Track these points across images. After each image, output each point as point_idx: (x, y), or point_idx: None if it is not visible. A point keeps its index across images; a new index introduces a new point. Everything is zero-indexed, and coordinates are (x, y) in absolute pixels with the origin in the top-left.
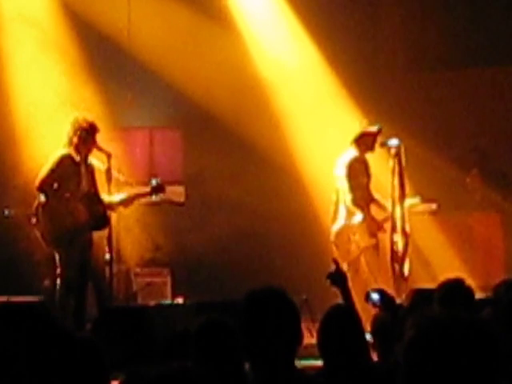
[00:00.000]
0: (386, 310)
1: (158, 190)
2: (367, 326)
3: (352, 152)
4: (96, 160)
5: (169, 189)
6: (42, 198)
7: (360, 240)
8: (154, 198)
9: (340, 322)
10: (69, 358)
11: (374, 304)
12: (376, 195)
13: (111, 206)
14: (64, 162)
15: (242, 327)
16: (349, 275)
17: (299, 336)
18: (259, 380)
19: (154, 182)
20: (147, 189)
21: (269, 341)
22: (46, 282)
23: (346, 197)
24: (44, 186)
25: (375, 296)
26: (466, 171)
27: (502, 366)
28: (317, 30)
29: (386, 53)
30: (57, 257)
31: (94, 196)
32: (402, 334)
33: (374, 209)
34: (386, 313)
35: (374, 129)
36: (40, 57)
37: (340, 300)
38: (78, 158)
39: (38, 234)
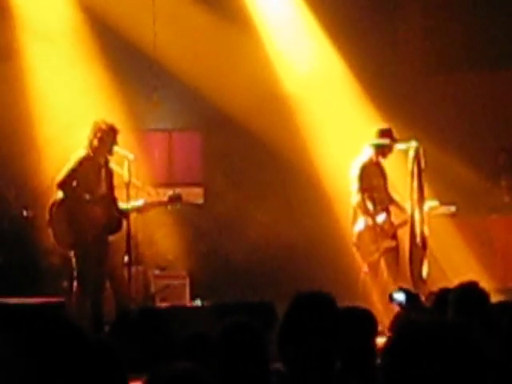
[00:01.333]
0: (411, 308)
1: (174, 200)
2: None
3: (367, 154)
4: (114, 163)
5: (187, 190)
6: (60, 195)
7: (381, 242)
8: (169, 208)
9: (355, 324)
10: (83, 361)
11: (399, 304)
12: (396, 197)
13: (126, 213)
14: (85, 163)
15: (285, 329)
16: (369, 277)
17: (338, 345)
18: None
19: (171, 192)
20: (164, 198)
21: (311, 345)
22: (65, 284)
23: (353, 198)
24: (64, 184)
25: (399, 296)
26: (485, 174)
27: (484, 374)
28: (336, 34)
29: (405, 56)
30: (73, 259)
31: (110, 199)
32: None
33: (393, 210)
34: (410, 311)
35: (384, 142)
36: (63, 60)
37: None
38: (98, 161)
39: (50, 232)
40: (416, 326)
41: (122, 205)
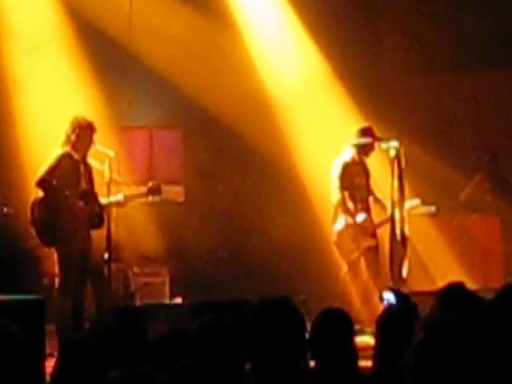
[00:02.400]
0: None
1: (154, 191)
2: (370, 327)
3: (349, 153)
4: (94, 160)
5: (168, 188)
6: (40, 193)
7: (361, 241)
8: (150, 198)
9: (331, 326)
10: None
11: (389, 303)
12: (378, 195)
13: (107, 207)
14: (63, 160)
15: (248, 332)
16: (349, 276)
17: (303, 346)
18: (262, 381)
19: (150, 183)
20: (144, 189)
21: (274, 349)
22: (45, 281)
23: (333, 196)
24: (43, 183)
25: (389, 296)
26: (466, 174)
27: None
28: (320, 35)
29: (386, 55)
30: (55, 255)
31: (91, 195)
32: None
33: (375, 209)
34: (390, 313)
35: (364, 141)
36: (41, 54)
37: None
38: (76, 157)
39: (33, 230)
40: (447, 324)
41: (103, 200)
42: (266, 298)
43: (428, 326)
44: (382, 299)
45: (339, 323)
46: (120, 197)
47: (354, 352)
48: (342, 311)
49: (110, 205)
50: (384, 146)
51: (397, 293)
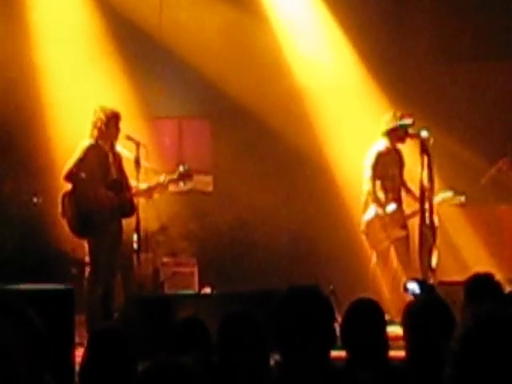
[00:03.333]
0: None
1: (185, 176)
2: (400, 317)
3: (382, 143)
4: (124, 149)
5: (197, 178)
6: (69, 186)
7: (391, 231)
8: (181, 185)
9: (362, 316)
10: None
11: (413, 294)
12: (410, 186)
13: (140, 193)
14: (91, 151)
15: (276, 321)
16: (378, 266)
17: (332, 335)
18: (290, 373)
19: (181, 168)
20: (174, 175)
21: (303, 338)
22: (74, 270)
23: (364, 186)
24: (70, 176)
25: (413, 286)
26: (494, 164)
27: None
28: (348, 24)
29: (416, 45)
30: (86, 245)
31: (121, 183)
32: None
33: (407, 200)
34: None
35: (407, 121)
36: (72, 46)
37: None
38: (104, 147)
39: (64, 222)
40: (495, 316)
41: (135, 184)
42: (294, 286)
43: (478, 316)
44: (406, 289)
45: (371, 313)
46: (152, 183)
47: (385, 342)
48: (374, 301)
49: (143, 191)
50: (414, 135)
51: (421, 283)
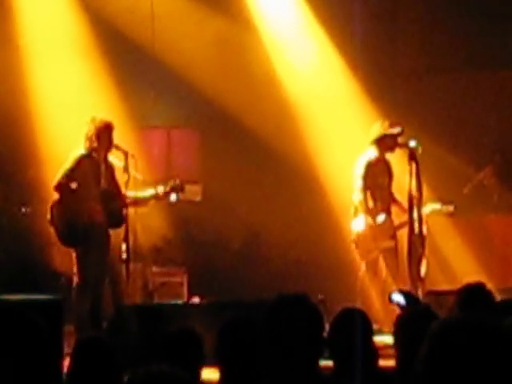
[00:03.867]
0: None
1: (176, 189)
2: (389, 327)
3: (372, 152)
4: (115, 158)
5: (186, 188)
6: (58, 195)
7: (380, 241)
8: (172, 197)
9: (349, 326)
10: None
11: (398, 305)
12: (398, 197)
13: (135, 203)
14: (82, 161)
15: (265, 329)
16: (367, 276)
17: (321, 343)
18: (278, 381)
19: (172, 182)
20: (167, 187)
21: (291, 346)
22: (62, 280)
23: (355, 195)
24: (61, 186)
25: (398, 297)
26: (482, 170)
27: None
28: (336, 33)
29: (404, 54)
30: (73, 254)
31: (111, 193)
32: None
33: (394, 210)
34: (410, 313)
35: (395, 131)
36: (62, 55)
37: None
38: (96, 157)
39: (52, 230)
40: (460, 325)
41: (129, 193)
42: (283, 294)
43: (436, 331)
44: (391, 300)
45: (358, 323)
46: (147, 193)
47: (373, 352)
48: (361, 311)
49: (136, 199)
50: (402, 145)
51: (406, 295)
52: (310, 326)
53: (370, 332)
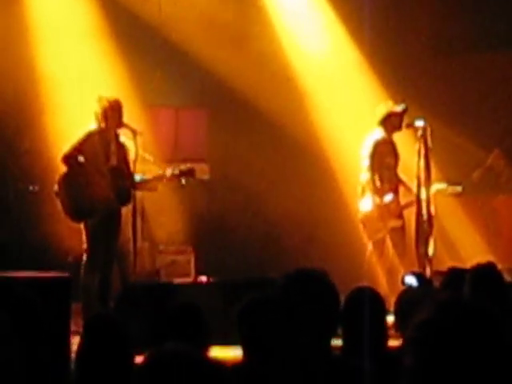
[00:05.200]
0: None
1: (187, 173)
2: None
3: (378, 132)
4: (127, 139)
5: (193, 166)
6: (64, 169)
7: (387, 221)
8: (182, 181)
9: (363, 305)
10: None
11: (411, 287)
12: (403, 177)
13: (141, 184)
14: (92, 137)
15: (282, 306)
16: (374, 255)
17: (337, 320)
18: (293, 359)
19: (183, 166)
20: (176, 171)
21: (306, 323)
22: (70, 258)
23: (362, 175)
24: (68, 158)
25: (411, 279)
26: (491, 153)
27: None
28: (345, 13)
29: (413, 35)
30: (83, 232)
31: (121, 172)
32: None
33: (401, 190)
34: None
35: (399, 108)
36: (70, 36)
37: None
38: (106, 136)
39: (58, 203)
40: (449, 307)
41: (137, 177)
42: (301, 269)
43: (438, 305)
44: (403, 282)
45: (372, 302)
46: (153, 176)
47: (384, 332)
48: (374, 290)
49: (144, 182)
50: (410, 125)
51: (419, 277)
52: (326, 302)
53: (382, 312)
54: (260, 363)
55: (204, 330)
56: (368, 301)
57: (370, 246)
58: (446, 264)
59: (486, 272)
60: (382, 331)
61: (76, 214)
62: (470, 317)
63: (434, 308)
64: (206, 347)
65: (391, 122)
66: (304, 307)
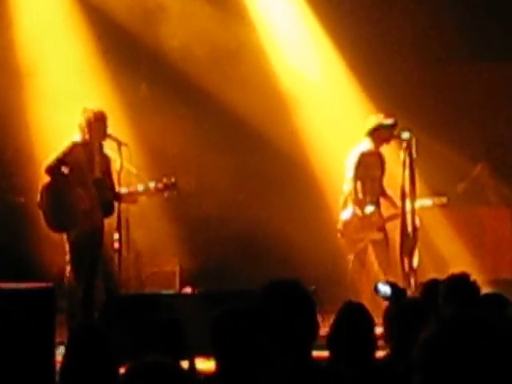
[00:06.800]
0: (395, 302)
1: (171, 187)
2: (378, 318)
3: (365, 144)
4: (110, 150)
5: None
6: (48, 179)
7: (367, 232)
8: (166, 195)
9: (353, 320)
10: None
11: (384, 296)
12: (388, 191)
13: (123, 197)
14: (76, 149)
15: (257, 317)
16: (355, 267)
17: (314, 329)
18: (274, 370)
19: (165, 179)
20: (160, 185)
21: (283, 333)
22: (55, 269)
23: (345, 185)
24: (52, 169)
25: (384, 288)
26: (477, 164)
27: None
28: (332, 25)
29: (398, 46)
30: (66, 243)
31: (104, 183)
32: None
33: (383, 204)
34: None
35: (389, 122)
36: (53, 46)
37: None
38: (91, 147)
39: (40, 213)
40: (459, 321)
41: (122, 189)
42: (276, 279)
43: (441, 321)
44: (377, 291)
45: (361, 321)
46: (140, 188)
47: (372, 347)
48: (363, 307)
49: (127, 195)
50: (396, 136)
51: (392, 286)
52: (301, 311)
53: (371, 328)
54: (231, 374)
55: (183, 343)
56: (358, 318)
57: (350, 256)
58: (431, 275)
59: (458, 283)
60: (370, 346)
61: (57, 224)
62: (475, 333)
63: (438, 325)
64: (186, 359)
65: (380, 135)
66: (279, 316)
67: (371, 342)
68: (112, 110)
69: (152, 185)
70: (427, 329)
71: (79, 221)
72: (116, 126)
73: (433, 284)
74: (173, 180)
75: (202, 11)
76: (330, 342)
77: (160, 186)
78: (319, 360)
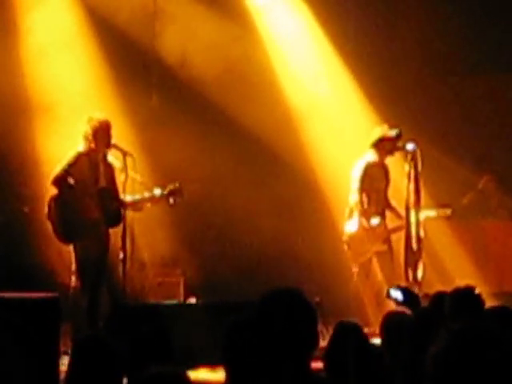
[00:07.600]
0: (409, 308)
1: (176, 193)
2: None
3: (370, 155)
4: (115, 159)
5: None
6: (55, 191)
7: (372, 244)
8: (170, 201)
9: (347, 341)
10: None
11: (396, 301)
12: (393, 202)
13: (129, 205)
14: (80, 158)
15: (256, 327)
16: (360, 278)
17: (315, 339)
18: (274, 379)
19: (172, 185)
20: (165, 191)
21: (283, 342)
22: (60, 279)
23: (351, 197)
24: (58, 181)
25: (396, 293)
26: (482, 177)
27: None
28: (338, 38)
29: (404, 58)
30: (73, 253)
31: (110, 192)
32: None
33: (388, 215)
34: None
35: (393, 133)
36: (65, 57)
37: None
38: (95, 157)
39: (49, 225)
40: (467, 334)
41: (127, 197)
42: (276, 288)
43: (451, 334)
44: (388, 296)
45: (357, 340)
46: (145, 195)
47: (368, 364)
48: (356, 326)
49: (133, 202)
50: (401, 148)
51: (405, 291)
52: (301, 320)
53: (365, 347)
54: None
55: (169, 354)
56: (350, 339)
57: (354, 268)
58: (436, 287)
59: (464, 296)
60: (365, 364)
61: (66, 235)
62: (483, 346)
63: (448, 339)
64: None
65: (384, 146)
66: (279, 326)
67: (366, 360)
68: (120, 121)
69: (157, 191)
70: (437, 342)
71: (87, 231)
72: (123, 135)
73: (439, 297)
74: (177, 185)
75: (211, 25)
76: (326, 360)
77: (165, 191)
78: (317, 370)
